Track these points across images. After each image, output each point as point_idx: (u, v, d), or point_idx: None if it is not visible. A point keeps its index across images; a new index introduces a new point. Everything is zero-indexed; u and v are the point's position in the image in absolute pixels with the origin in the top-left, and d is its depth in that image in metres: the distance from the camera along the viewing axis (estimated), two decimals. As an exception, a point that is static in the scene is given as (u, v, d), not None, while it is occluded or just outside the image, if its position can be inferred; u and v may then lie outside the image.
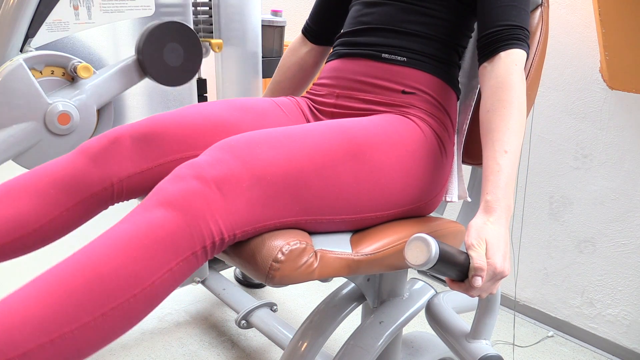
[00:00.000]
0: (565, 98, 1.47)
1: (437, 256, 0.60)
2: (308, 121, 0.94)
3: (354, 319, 1.55)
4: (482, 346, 0.76)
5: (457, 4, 0.89)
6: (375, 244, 0.74)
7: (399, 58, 0.88)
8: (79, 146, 0.78)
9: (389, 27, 0.89)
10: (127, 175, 0.77)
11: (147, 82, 1.26)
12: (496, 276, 0.66)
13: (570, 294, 1.56)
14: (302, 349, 0.95)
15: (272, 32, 1.56)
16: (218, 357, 1.43)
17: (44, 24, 1.02)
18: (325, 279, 0.73)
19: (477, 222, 0.68)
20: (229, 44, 1.37)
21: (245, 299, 1.45)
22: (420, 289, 1.00)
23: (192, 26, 1.25)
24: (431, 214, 0.91)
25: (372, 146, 0.75)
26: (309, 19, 1.14)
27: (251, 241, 0.66)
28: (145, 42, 1.09)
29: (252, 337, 1.52)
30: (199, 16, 1.34)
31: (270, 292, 1.78)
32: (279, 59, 1.21)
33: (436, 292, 0.95)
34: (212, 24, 1.33)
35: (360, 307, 1.04)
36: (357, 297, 1.00)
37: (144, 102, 1.28)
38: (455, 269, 0.64)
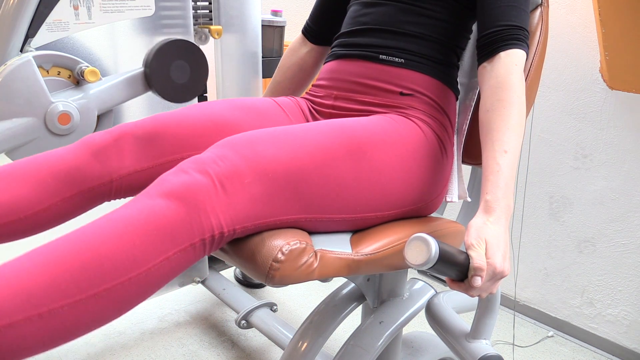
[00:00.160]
0: (565, 98, 1.47)
1: (437, 256, 0.60)
2: (308, 121, 0.94)
3: (354, 319, 1.55)
4: (482, 346, 0.76)
5: (456, 5, 0.88)
6: (375, 244, 0.74)
7: (396, 60, 0.88)
8: (82, 139, 0.78)
9: (387, 28, 0.89)
10: (127, 173, 0.77)
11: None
12: (496, 276, 0.66)
13: (570, 294, 1.56)
14: (302, 349, 0.95)
15: (272, 32, 1.56)
16: (218, 357, 1.43)
17: (44, 24, 1.02)
18: (325, 279, 0.73)
19: (476, 222, 0.68)
20: (228, 32, 1.37)
21: (245, 299, 1.45)
22: (420, 289, 1.00)
23: (191, 17, 1.26)
24: (431, 214, 0.91)
25: (373, 145, 0.75)
26: (309, 19, 1.14)
27: (251, 241, 0.66)
28: (154, 57, 1.11)
29: (252, 337, 1.52)
30: (198, 4, 1.34)
31: (270, 292, 1.78)
32: (279, 59, 1.21)
33: (436, 292, 0.95)
34: (211, 11, 1.34)
35: (360, 307, 1.04)
36: (357, 297, 1.00)
37: (145, 101, 1.28)
38: (455, 269, 0.64)
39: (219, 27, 1.30)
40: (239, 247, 0.66)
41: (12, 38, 0.98)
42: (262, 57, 1.48)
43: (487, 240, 0.66)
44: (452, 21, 0.89)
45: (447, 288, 1.55)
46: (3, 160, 1.00)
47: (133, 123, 0.80)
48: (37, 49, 1.02)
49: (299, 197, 0.68)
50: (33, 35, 1.01)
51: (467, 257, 0.65)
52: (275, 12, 1.58)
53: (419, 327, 1.58)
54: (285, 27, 1.61)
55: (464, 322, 0.81)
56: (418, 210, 0.84)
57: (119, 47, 1.18)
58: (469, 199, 0.93)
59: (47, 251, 0.54)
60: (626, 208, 1.41)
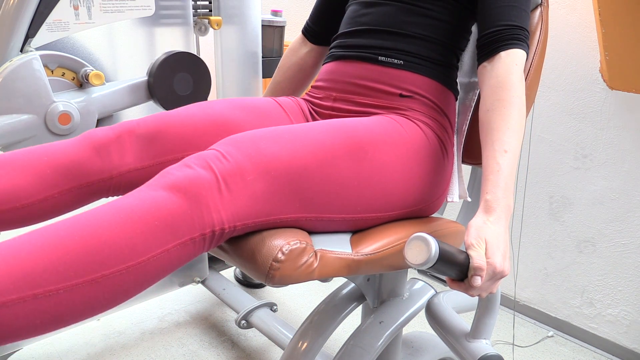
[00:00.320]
0: (565, 98, 1.47)
1: (437, 255, 0.60)
2: (308, 122, 0.94)
3: (354, 319, 1.55)
4: (482, 346, 0.76)
5: (457, 5, 0.88)
6: (375, 244, 0.74)
7: (395, 61, 0.88)
8: (84, 133, 0.78)
9: (386, 29, 0.89)
10: (128, 170, 0.77)
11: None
12: (496, 276, 0.66)
13: (570, 294, 1.56)
14: (302, 349, 0.95)
15: (272, 32, 1.56)
16: (218, 357, 1.43)
17: (44, 24, 1.02)
18: (325, 279, 0.73)
19: (476, 222, 0.68)
20: (228, 24, 1.37)
21: (245, 299, 1.45)
22: (420, 289, 1.00)
23: (190, 7, 1.26)
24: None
25: (375, 145, 0.75)
26: (309, 19, 1.14)
27: (251, 240, 0.66)
28: (158, 68, 1.13)
29: (252, 337, 1.52)
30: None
31: (270, 292, 1.78)
32: (279, 59, 1.21)
33: (436, 292, 0.95)
34: (211, 2, 1.34)
35: (360, 307, 1.04)
36: (357, 297, 1.00)
37: (146, 106, 1.28)
38: (455, 269, 0.64)
39: (219, 17, 1.31)
40: (239, 247, 0.67)
41: (12, 38, 0.99)
42: (262, 57, 1.48)
43: (487, 240, 0.66)
44: (452, 22, 0.89)
45: (447, 288, 1.56)
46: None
47: (135, 121, 0.80)
48: (37, 49, 1.02)
49: (301, 195, 0.68)
50: (33, 35, 1.01)
51: (467, 256, 0.65)
52: (275, 12, 1.58)
53: (419, 327, 1.58)
54: (285, 27, 1.61)
55: (464, 322, 0.81)
56: (419, 211, 0.84)
57: (118, 37, 1.19)
58: (469, 199, 0.93)
59: (47, 233, 0.54)
60: (626, 208, 1.41)
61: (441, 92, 0.89)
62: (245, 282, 1.80)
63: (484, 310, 0.77)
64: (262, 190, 0.64)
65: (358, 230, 0.78)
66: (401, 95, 0.87)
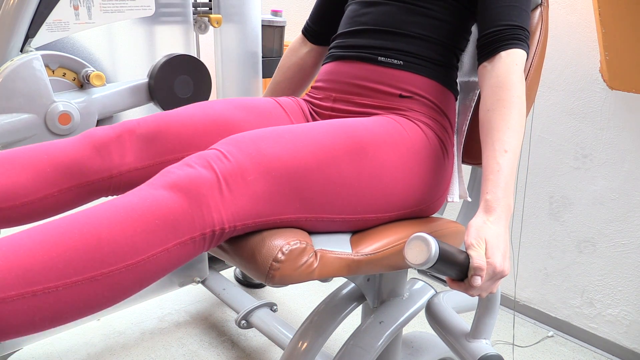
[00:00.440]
0: (565, 98, 1.47)
1: (437, 255, 0.60)
2: (309, 122, 0.94)
3: (354, 319, 1.55)
4: (482, 346, 0.76)
5: (457, 5, 0.88)
6: (375, 244, 0.74)
7: (395, 61, 0.87)
8: (84, 132, 0.78)
9: (386, 29, 0.89)
10: (128, 170, 0.77)
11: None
12: (496, 275, 0.66)
13: (570, 294, 1.56)
14: (302, 349, 0.95)
15: (272, 32, 1.56)
16: (218, 357, 1.43)
17: (44, 24, 1.02)
18: (325, 279, 0.73)
19: (476, 222, 0.68)
20: (228, 22, 1.37)
21: (245, 299, 1.45)
22: (420, 289, 1.00)
23: (190, 5, 1.26)
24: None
25: (376, 145, 0.75)
26: (309, 19, 1.14)
27: (251, 240, 0.66)
28: (159, 70, 1.13)
29: (252, 337, 1.52)
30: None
31: (270, 292, 1.78)
32: (279, 59, 1.21)
33: (436, 291, 0.95)
34: (211, 0, 1.34)
35: (360, 307, 1.04)
36: (357, 297, 1.00)
37: (146, 107, 1.28)
38: (455, 269, 0.64)
39: (219, 15, 1.31)
40: (239, 247, 0.67)
41: (12, 38, 0.99)
42: (262, 57, 1.48)
43: (487, 239, 0.66)
44: (452, 22, 0.89)
45: (447, 288, 1.56)
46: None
47: (136, 120, 0.80)
48: (37, 49, 1.02)
49: (301, 196, 0.68)
50: (33, 35, 1.01)
51: (467, 256, 0.65)
52: (275, 12, 1.58)
53: (419, 327, 1.58)
54: (285, 27, 1.61)
55: (464, 322, 0.81)
56: (419, 212, 0.84)
57: (118, 35, 1.19)
58: (469, 199, 0.93)
59: (47, 230, 0.54)
60: (626, 208, 1.41)
61: (441, 92, 0.89)
62: (245, 282, 1.80)
63: (484, 310, 0.77)
64: (262, 190, 0.64)
65: (358, 230, 0.78)
66: (401, 96, 0.87)
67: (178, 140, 0.80)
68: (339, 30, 0.97)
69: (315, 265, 0.67)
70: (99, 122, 1.11)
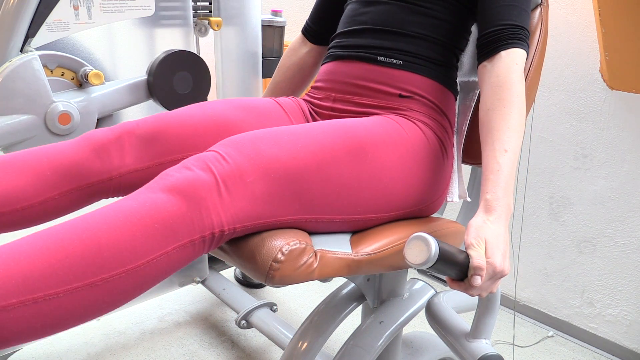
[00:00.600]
0: (565, 98, 1.47)
1: (437, 255, 0.60)
2: (308, 122, 0.94)
3: (354, 319, 1.55)
4: (482, 346, 0.76)
5: (457, 5, 0.88)
6: (375, 244, 0.74)
7: (394, 61, 0.87)
8: (83, 134, 0.78)
9: (385, 28, 0.89)
10: (127, 171, 0.77)
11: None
12: (496, 275, 0.66)
13: (570, 294, 1.56)
14: (302, 349, 0.95)
15: (272, 32, 1.56)
16: (218, 357, 1.43)
17: (44, 24, 1.02)
18: (325, 279, 0.73)
19: (476, 221, 0.68)
20: (228, 25, 1.37)
21: (245, 299, 1.45)
22: (420, 289, 1.00)
23: (191, 8, 1.26)
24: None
25: (375, 146, 0.75)
26: (309, 19, 1.14)
27: (251, 241, 0.66)
28: (158, 67, 1.12)
29: (252, 337, 1.52)
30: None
31: (270, 292, 1.78)
32: (279, 59, 1.21)
33: (436, 291, 0.95)
34: (211, 3, 1.34)
35: (360, 307, 1.04)
36: (357, 297, 1.00)
37: (146, 106, 1.28)
38: (455, 268, 0.64)
39: (219, 18, 1.30)
40: (238, 247, 0.66)
41: (12, 38, 0.98)
42: (262, 57, 1.48)
43: (486, 239, 0.66)
44: (452, 21, 0.89)
45: (447, 288, 1.56)
46: (-1, 157, 1.00)
47: (135, 121, 0.80)
48: (37, 48, 1.02)
49: (300, 197, 0.68)
50: (33, 35, 1.01)
51: (467, 256, 0.65)
52: (275, 12, 1.58)
53: (419, 327, 1.58)
54: (285, 27, 1.61)
55: (464, 321, 0.81)
56: (418, 212, 0.84)
57: (118, 38, 1.19)
58: (468, 199, 0.92)
59: (47, 237, 0.54)
60: (626, 208, 1.41)
61: (441, 92, 0.88)
62: (245, 282, 1.80)
63: (484, 310, 0.77)
64: (261, 191, 0.64)
65: (358, 230, 0.78)
66: (400, 96, 0.87)
67: (178, 141, 0.80)
68: (338, 30, 0.97)
69: (315, 265, 0.67)
70: (99, 121, 1.11)
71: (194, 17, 1.30)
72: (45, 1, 1.01)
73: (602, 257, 1.48)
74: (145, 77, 1.15)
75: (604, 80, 1.36)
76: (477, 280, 0.64)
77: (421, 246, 0.61)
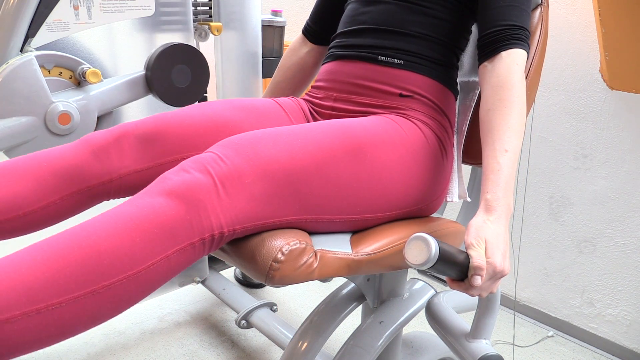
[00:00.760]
0: (565, 98, 1.47)
1: (437, 255, 0.60)
2: (309, 122, 0.94)
3: (354, 319, 1.55)
4: (482, 346, 0.76)
5: (457, 5, 0.88)
6: (375, 244, 0.74)
7: (395, 61, 0.87)
8: (82, 137, 0.78)
9: (386, 28, 0.89)
10: (127, 172, 0.77)
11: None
12: (496, 275, 0.66)
13: (570, 294, 1.56)
14: (302, 349, 0.95)
15: (272, 32, 1.56)
16: (218, 357, 1.43)
17: (44, 24, 1.02)
18: (325, 279, 0.73)
19: (476, 221, 0.68)
20: (228, 29, 1.37)
21: (245, 299, 1.45)
22: (420, 289, 1.00)
23: (191, 13, 1.26)
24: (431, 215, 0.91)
25: (374, 146, 0.75)
26: (309, 19, 1.14)
27: (251, 241, 0.66)
28: (156, 61, 1.11)
29: (252, 337, 1.52)
30: (198, 1, 1.34)
31: (270, 292, 1.78)
32: (279, 59, 1.21)
33: (436, 291, 0.95)
34: (211, 8, 1.34)
35: (360, 307, 1.04)
36: (357, 297, 1.00)
37: (145, 103, 1.28)
38: (455, 268, 0.64)
39: (219, 23, 1.30)
40: (238, 248, 0.66)
41: (12, 38, 0.98)
42: (262, 57, 1.48)
43: (487, 239, 0.66)
44: (453, 21, 0.89)
45: (447, 288, 1.56)
46: (1, 159, 1.00)
47: (134, 122, 0.80)
48: (37, 48, 1.02)
49: (300, 197, 0.68)
50: (33, 35, 1.01)
51: (467, 256, 0.65)
52: (275, 12, 1.58)
53: (419, 327, 1.58)
54: (285, 27, 1.61)
55: (464, 322, 0.81)
56: (418, 211, 0.84)
57: (118, 44, 1.19)
58: (468, 199, 0.93)
59: (47, 246, 0.54)
60: (626, 208, 1.41)
61: (441, 92, 0.89)
62: (245, 282, 1.80)
63: (484, 310, 0.77)
64: (260, 192, 0.64)
65: (358, 230, 0.78)
66: (401, 95, 0.87)
67: (177, 141, 0.80)
68: (339, 30, 0.97)
69: (315, 265, 0.67)
70: (99, 119, 1.11)
71: (194, 22, 1.29)
72: (45, 1, 1.01)
73: (602, 257, 1.48)
74: (144, 72, 1.14)
75: (604, 81, 1.36)
76: (477, 280, 0.64)
77: (421, 246, 0.61)
